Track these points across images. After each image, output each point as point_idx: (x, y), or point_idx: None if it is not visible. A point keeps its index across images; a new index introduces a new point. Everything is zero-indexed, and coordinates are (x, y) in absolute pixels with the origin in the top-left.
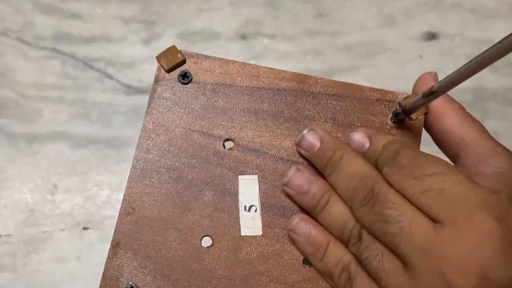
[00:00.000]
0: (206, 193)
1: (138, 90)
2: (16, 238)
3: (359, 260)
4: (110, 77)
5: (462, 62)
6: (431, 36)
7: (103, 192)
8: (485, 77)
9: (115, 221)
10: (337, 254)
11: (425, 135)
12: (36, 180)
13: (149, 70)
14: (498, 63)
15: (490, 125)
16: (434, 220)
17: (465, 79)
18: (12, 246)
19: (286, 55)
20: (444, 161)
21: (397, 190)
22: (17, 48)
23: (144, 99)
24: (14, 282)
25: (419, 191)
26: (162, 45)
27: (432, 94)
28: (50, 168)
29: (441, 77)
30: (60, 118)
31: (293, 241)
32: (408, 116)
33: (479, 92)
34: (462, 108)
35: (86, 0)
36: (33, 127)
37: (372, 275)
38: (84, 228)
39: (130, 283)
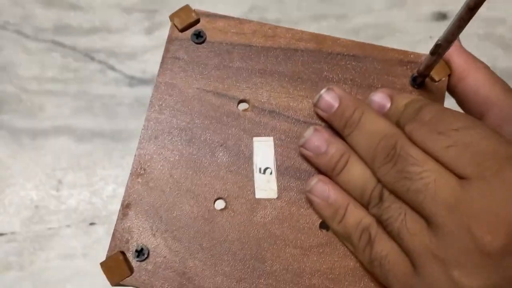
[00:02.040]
0: (220, 155)
1: (142, 81)
2: (21, 235)
3: (380, 221)
4: (112, 68)
5: (474, 42)
6: (441, 16)
7: (108, 187)
8: (498, 57)
9: None
10: (357, 216)
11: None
12: (41, 176)
13: (152, 60)
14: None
15: None
16: (460, 177)
17: (464, 25)
18: (18, 244)
19: None
20: (470, 116)
21: (420, 147)
22: (16, 41)
23: (148, 90)
24: (21, 281)
25: (444, 147)
26: (165, 34)
27: (438, 48)
28: (55, 164)
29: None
30: (63, 112)
31: (311, 203)
32: (424, 78)
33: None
34: (486, 67)
35: None
36: (36, 122)
37: (394, 236)
38: (91, 224)
39: (140, 245)
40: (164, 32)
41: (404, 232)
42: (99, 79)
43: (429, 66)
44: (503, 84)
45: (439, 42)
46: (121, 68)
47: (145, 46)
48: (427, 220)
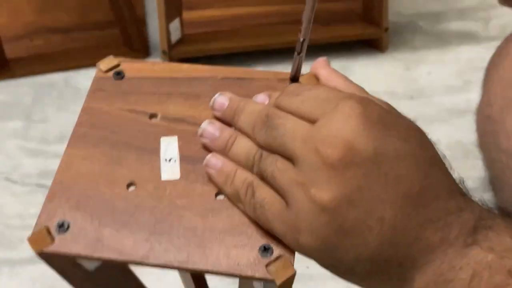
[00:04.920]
0: (133, 152)
1: None
2: None
3: (260, 176)
4: None
5: None
6: None
7: None
8: None
9: None
10: (243, 177)
11: None
12: None
13: None
14: None
15: None
16: (313, 121)
17: (310, 18)
18: None
19: None
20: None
21: (284, 110)
22: (5, 187)
23: None
24: None
25: (299, 102)
26: None
27: (302, 44)
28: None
29: None
30: None
31: (208, 176)
32: (297, 81)
33: None
34: (344, 76)
35: None
36: (15, 253)
37: (270, 182)
38: None
39: (62, 220)
40: None
41: (275, 173)
42: None
43: (298, 66)
44: (357, 86)
45: (303, 39)
46: None
47: None
48: (292, 159)
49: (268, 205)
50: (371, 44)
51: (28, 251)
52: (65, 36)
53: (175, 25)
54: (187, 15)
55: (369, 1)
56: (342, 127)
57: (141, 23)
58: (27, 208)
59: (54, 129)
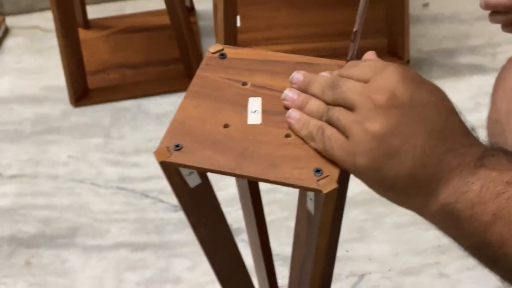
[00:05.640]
0: (229, 105)
1: None
2: None
3: (328, 122)
4: (162, 201)
5: None
6: None
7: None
8: None
9: None
10: (315, 123)
11: None
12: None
13: None
14: None
15: None
16: (366, 82)
17: (362, 14)
18: None
19: None
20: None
21: (345, 77)
22: (91, 190)
23: None
24: None
25: (356, 70)
26: None
27: (355, 34)
28: (116, 268)
29: None
30: (123, 232)
31: (288, 124)
32: None
33: None
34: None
35: (144, 153)
36: (102, 240)
37: (335, 123)
38: None
39: (177, 142)
40: None
41: (340, 117)
42: (152, 209)
43: (353, 51)
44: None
45: (355, 30)
46: (168, 200)
47: None
48: (351, 107)
49: (334, 138)
50: None
51: (112, 239)
52: (135, 71)
53: None
54: None
55: (393, 39)
56: (387, 82)
57: (201, 58)
58: (110, 206)
59: (130, 144)
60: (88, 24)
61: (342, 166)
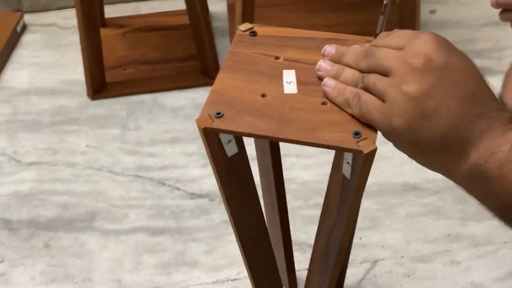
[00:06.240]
0: (264, 77)
1: (200, 196)
2: None
3: (363, 88)
4: (178, 189)
5: None
6: None
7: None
8: None
9: None
10: (351, 90)
11: None
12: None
13: (208, 183)
14: None
15: None
16: (400, 49)
17: None
18: None
19: None
20: None
21: (379, 46)
22: (109, 177)
23: (205, 201)
24: None
25: (390, 39)
26: None
27: (385, 7)
28: (135, 251)
29: None
30: (140, 218)
31: (324, 92)
32: None
33: None
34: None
35: (160, 144)
36: (120, 224)
37: (371, 88)
38: None
39: (218, 110)
40: None
41: (376, 82)
42: (168, 196)
43: (383, 23)
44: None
45: (386, 2)
46: (185, 188)
47: (201, 175)
48: (387, 73)
49: (371, 103)
50: None
51: (130, 224)
52: (151, 67)
53: None
54: None
55: None
56: (423, 47)
57: (216, 56)
58: (128, 193)
59: (147, 135)
60: (104, 23)
61: (379, 129)
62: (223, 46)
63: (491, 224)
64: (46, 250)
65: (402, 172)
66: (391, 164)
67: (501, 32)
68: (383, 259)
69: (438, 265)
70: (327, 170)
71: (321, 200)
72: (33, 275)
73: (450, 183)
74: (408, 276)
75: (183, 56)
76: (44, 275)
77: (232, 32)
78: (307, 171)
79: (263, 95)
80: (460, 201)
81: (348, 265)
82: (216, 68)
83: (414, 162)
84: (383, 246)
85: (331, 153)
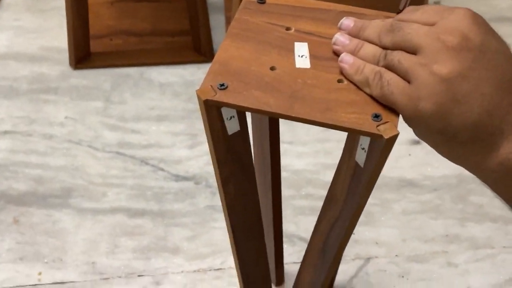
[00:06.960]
0: (273, 48)
1: (185, 178)
2: (80, 284)
3: (386, 67)
4: (162, 170)
5: None
6: None
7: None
8: None
9: None
10: (371, 67)
11: None
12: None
13: (195, 166)
14: None
15: None
16: (432, 25)
17: None
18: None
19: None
20: None
21: (406, 21)
22: (88, 152)
23: (191, 184)
24: None
25: (419, 14)
26: (204, 149)
27: None
28: (112, 232)
29: None
30: (120, 198)
31: (341, 69)
32: None
33: None
34: None
35: (145, 121)
36: (98, 204)
37: (396, 66)
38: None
39: (222, 82)
40: (203, 147)
41: (402, 59)
42: (151, 176)
43: (407, 0)
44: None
45: None
46: (169, 169)
47: (188, 156)
48: (415, 50)
49: (394, 83)
50: None
51: (108, 203)
52: (140, 39)
53: None
54: None
55: None
56: (459, 23)
57: (210, 33)
58: (108, 170)
59: (131, 110)
60: None
61: (402, 113)
62: (218, 23)
63: (491, 227)
64: (15, 225)
65: (399, 167)
66: None
67: (507, 28)
68: (376, 257)
69: (434, 267)
70: (321, 159)
71: (313, 190)
72: (0, 252)
73: (449, 181)
74: (403, 277)
75: (174, 30)
76: (11, 252)
77: (228, 8)
78: (300, 159)
79: (272, 68)
80: (459, 200)
81: None
82: (208, 45)
83: (411, 156)
84: (377, 243)
85: (326, 142)
